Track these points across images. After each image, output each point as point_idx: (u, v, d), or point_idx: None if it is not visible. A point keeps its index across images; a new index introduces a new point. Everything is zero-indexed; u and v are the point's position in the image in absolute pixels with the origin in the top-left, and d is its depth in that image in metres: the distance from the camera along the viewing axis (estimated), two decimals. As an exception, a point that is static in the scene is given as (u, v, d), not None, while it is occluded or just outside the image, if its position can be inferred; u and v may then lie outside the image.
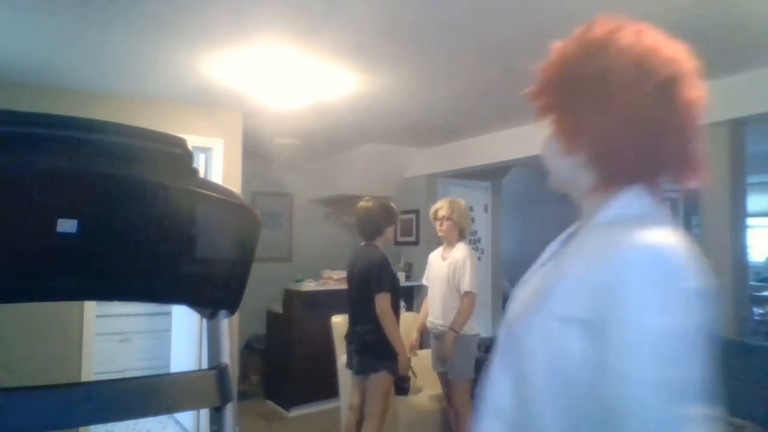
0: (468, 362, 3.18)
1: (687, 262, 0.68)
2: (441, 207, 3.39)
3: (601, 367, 0.64)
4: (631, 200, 0.74)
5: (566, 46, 0.80)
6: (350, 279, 3.08)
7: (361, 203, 3.08)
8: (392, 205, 3.13)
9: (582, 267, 0.70)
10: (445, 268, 3.29)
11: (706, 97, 0.76)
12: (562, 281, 0.72)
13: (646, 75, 0.72)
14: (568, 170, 0.80)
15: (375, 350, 2.86)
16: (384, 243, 3.06)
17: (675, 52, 0.75)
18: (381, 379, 2.85)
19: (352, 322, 3.01)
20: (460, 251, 3.29)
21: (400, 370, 2.87)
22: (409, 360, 2.95)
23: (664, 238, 0.68)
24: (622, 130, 0.72)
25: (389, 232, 3.06)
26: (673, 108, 0.73)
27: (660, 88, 0.72)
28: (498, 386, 0.78)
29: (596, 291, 0.66)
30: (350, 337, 3.02)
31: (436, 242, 5.35)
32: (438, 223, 3.38)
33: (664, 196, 0.76)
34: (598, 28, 0.80)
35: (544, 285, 0.77)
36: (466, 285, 3.17)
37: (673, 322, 0.64)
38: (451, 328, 3.12)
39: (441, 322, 3.24)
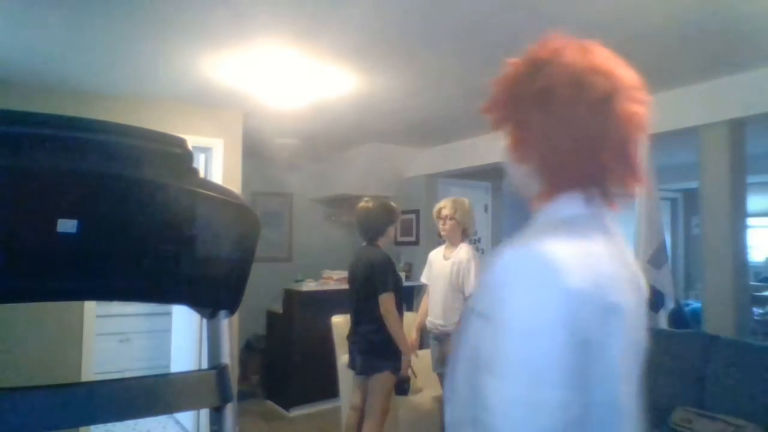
0: None
1: (567, 266, 0.68)
2: (444, 206, 3.36)
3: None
4: (562, 206, 0.80)
5: (517, 63, 0.87)
6: (352, 279, 3.07)
7: (361, 204, 3.06)
8: (392, 204, 3.11)
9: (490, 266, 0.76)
10: (448, 268, 3.27)
11: (647, 111, 0.80)
12: (480, 277, 0.80)
13: (584, 92, 0.77)
14: (522, 178, 0.88)
15: (379, 350, 2.85)
16: (386, 242, 3.05)
17: (613, 69, 0.80)
18: (384, 379, 2.85)
19: (355, 323, 3.00)
20: (464, 252, 3.27)
21: (402, 370, 2.87)
22: (409, 361, 2.94)
23: (552, 242, 0.72)
24: (563, 143, 0.78)
25: (390, 231, 3.05)
26: (610, 122, 0.77)
27: (597, 104, 0.76)
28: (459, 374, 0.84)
29: (489, 289, 0.74)
30: (353, 337, 3.02)
31: (436, 242, 5.36)
32: (441, 222, 3.35)
33: (609, 200, 0.81)
34: (547, 46, 0.84)
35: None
36: (470, 287, 3.17)
37: (539, 322, 0.67)
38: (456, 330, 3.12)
39: (441, 322, 3.23)
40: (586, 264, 0.70)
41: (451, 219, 3.32)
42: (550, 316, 0.66)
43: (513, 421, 0.65)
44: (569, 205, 0.80)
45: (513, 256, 0.73)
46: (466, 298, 3.19)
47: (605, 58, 0.81)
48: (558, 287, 0.67)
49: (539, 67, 0.82)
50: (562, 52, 0.82)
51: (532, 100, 0.81)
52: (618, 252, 0.78)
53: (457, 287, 3.21)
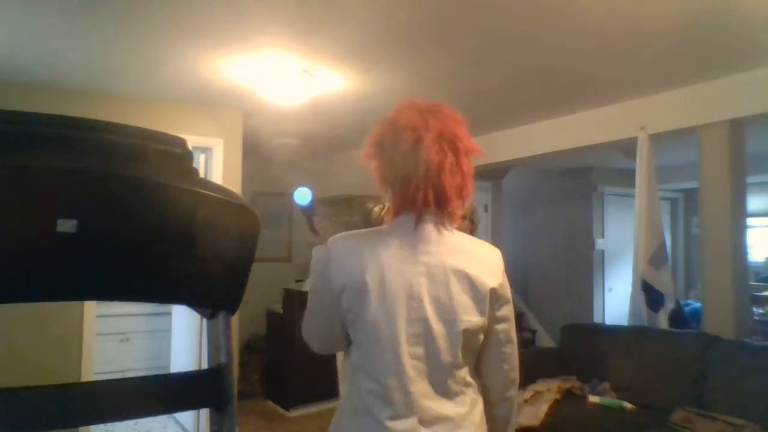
0: None
1: (325, 256, 1.22)
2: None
3: None
4: (400, 220, 1.19)
5: (380, 122, 1.24)
6: None
7: (368, 205, 3.00)
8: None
9: None
10: None
11: (445, 156, 1.14)
12: None
13: (400, 143, 1.14)
14: (389, 202, 1.26)
15: None
16: None
17: (422, 125, 1.14)
18: None
19: None
20: None
21: None
22: None
23: (335, 238, 1.24)
24: (391, 179, 1.19)
25: None
26: (418, 163, 1.12)
27: (408, 151, 1.13)
28: None
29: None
30: None
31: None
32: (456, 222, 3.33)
33: (434, 219, 1.19)
34: (394, 109, 1.23)
35: None
36: None
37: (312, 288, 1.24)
38: None
39: None
40: (358, 250, 1.18)
41: (465, 219, 3.31)
42: (316, 286, 1.24)
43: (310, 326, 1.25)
44: (403, 219, 1.19)
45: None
46: None
47: (415, 116, 1.16)
48: (315, 268, 1.24)
49: (383, 123, 1.21)
50: (396, 112, 1.21)
51: (374, 149, 1.21)
52: (419, 246, 1.16)
53: None
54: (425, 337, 1.12)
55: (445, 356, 1.12)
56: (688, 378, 3.04)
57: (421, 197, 1.13)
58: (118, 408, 0.85)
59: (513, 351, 1.25)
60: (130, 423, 4.16)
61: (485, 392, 1.23)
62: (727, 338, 3.03)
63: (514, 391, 1.27)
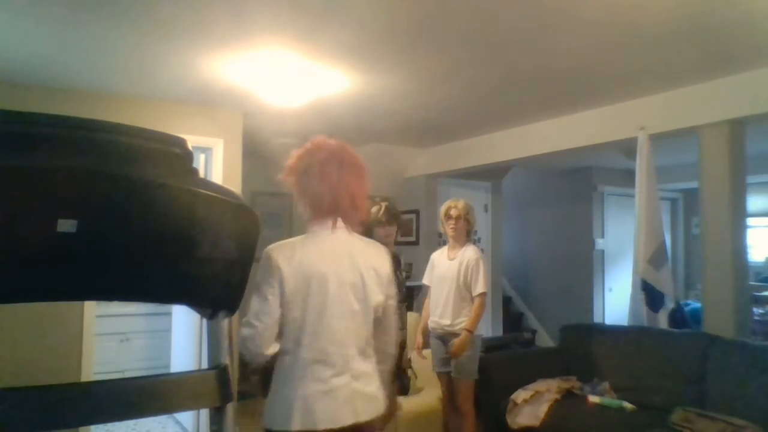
0: (475, 362, 3.18)
1: (275, 254, 1.53)
2: (454, 206, 3.34)
3: None
4: (315, 226, 1.59)
5: (297, 152, 1.63)
6: None
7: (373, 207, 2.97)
8: (388, 207, 3.01)
9: None
10: (454, 268, 3.26)
11: (342, 177, 1.57)
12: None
13: (310, 167, 1.58)
14: (303, 211, 1.63)
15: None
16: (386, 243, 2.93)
17: (315, 152, 1.59)
18: None
19: None
20: (471, 252, 3.27)
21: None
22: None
23: (281, 243, 1.59)
24: (305, 195, 1.60)
25: (380, 232, 2.91)
26: (323, 183, 1.56)
27: (315, 174, 1.56)
28: None
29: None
30: None
31: (436, 242, 5.36)
32: (451, 222, 3.33)
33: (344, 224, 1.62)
34: (312, 142, 1.63)
35: None
36: (480, 286, 3.17)
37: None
38: (467, 330, 3.12)
39: (448, 322, 3.22)
40: (296, 253, 1.53)
41: (461, 219, 3.31)
42: (261, 276, 1.52)
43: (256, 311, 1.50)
44: (319, 226, 1.58)
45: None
46: (473, 297, 3.19)
47: (317, 149, 1.60)
48: (266, 264, 1.53)
49: (300, 152, 1.61)
50: (310, 144, 1.62)
51: (291, 171, 1.60)
52: (339, 246, 1.58)
53: (464, 287, 3.21)
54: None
55: (364, 327, 1.58)
56: (688, 378, 3.04)
57: (332, 209, 1.59)
58: (118, 408, 0.85)
59: (394, 319, 1.73)
60: (130, 423, 4.16)
61: (377, 352, 1.66)
62: (727, 338, 3.03)
63: (392, 349, 1.77)
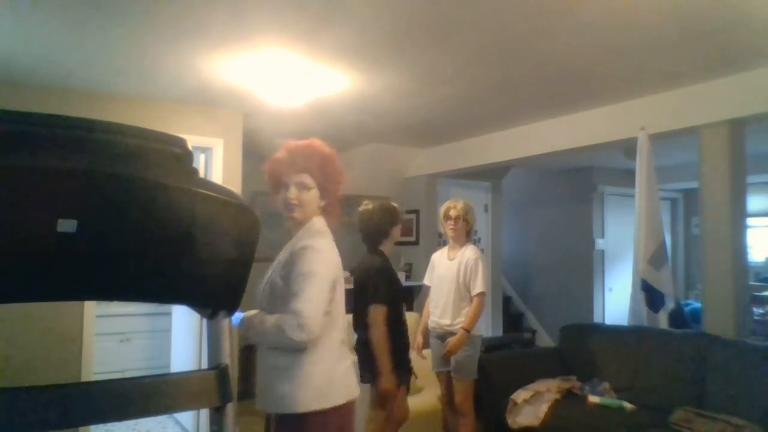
0: (474, 362, 3.18)
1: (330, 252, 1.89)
2: (454, 206, 3.34)
3: None
4: (314, 222, 1.94)
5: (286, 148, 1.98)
6: (354, 285, 2.95)
7: (362, 207, 2.94)
8: (393, 204, 3.02)
9: (285, 252, 1.97)
10: (454, 268, 3.26)
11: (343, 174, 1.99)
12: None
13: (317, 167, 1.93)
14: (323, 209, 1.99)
15: (372, 359, 2.76)
16: (390, 244, 2.93)
17: (294, 151, 1.95)
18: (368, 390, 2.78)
19: (354, 329, 2.96)
20: (471, 252, 3.27)
21: (380, 389, 2.66)
22: (392, 380, 2.67)
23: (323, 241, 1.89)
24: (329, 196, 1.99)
25: (395, 232, 2.93)
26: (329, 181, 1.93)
27: (332, 173, 1.97)
28: None
29: (300, 261, 1.82)
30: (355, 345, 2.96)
31: (437, 242, 5.36)
32: (451, 223, 3.33)
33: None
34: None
35: None
36: (479, 286, 3.17)
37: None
38: (464, 329, 3.12)
39: (448, 322, 3.22)
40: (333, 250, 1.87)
41: (461, 220, 3.31)
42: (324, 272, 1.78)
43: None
44: (316, 223, 1.95)
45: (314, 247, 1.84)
46: (473, 297, 3.19)
47: (315, 149, 1.98)
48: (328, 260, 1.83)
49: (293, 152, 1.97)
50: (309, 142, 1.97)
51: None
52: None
53: (464, 287, 3.21)
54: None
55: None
56: (688, 378, 3.04)
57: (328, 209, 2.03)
58: (118, 408, 0.85)
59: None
60: (130, 423, 4.16)
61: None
62: (727, 338, 3.03)
63: None
